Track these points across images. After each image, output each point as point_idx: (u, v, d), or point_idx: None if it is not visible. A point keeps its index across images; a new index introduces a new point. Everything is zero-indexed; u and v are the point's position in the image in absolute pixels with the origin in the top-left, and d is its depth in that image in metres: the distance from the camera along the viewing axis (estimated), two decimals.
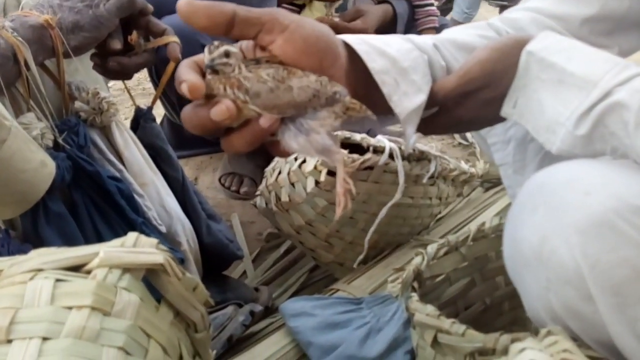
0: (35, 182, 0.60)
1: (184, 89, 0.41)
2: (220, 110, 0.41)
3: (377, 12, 1.37)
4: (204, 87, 0.41)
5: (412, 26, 1.48)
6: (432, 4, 1.51)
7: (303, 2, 1.40)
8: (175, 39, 0.74)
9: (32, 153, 0.60)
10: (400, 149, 0.90)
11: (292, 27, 0.43)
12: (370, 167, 0.89)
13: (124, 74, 0.74)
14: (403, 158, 0.91)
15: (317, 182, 0.90)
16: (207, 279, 0.85)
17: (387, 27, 1.39)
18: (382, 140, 0.90)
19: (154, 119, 0.83)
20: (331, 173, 0.89)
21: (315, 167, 0.91)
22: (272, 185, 0.98)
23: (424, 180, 0.95)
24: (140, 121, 0.81)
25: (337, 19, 1.32)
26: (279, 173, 0.97)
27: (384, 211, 0.91)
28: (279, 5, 1.23)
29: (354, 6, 1.40)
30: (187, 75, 0.41)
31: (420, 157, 0.95)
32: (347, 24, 1.30)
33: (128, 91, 0.86)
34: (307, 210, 0.94)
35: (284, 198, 0.95)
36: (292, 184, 0.94)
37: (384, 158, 0.88)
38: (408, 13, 1.47)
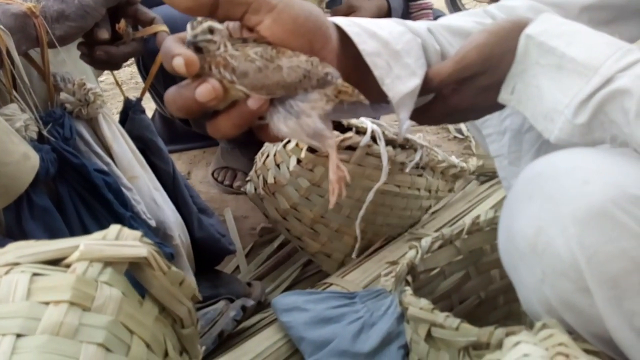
0: (17, 175, 0.58)
1: (177, 63, 0.38)
2: (206, 90, 0.39)
3: (370, 7, 1.35)
4: (198, 61, 0.39)
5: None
6: None
7: None
8: (164, 28, 0.72)
9: (14, 145, 0.58)
10: (383, 132, 0.89)
11: (280, 7, 0.41)
12: (353, 148, 0.88)
13: (112, 64, 0.72)
14: (387, 142, 0.90)
15: (299, 161, 0.90)
16: (199, 274, 0.83)
17: None
18: (364, 121, 0.89)
19: (143, 111, 0.81)
20: (311, 150, 0.89)
21: (296, 145, 0.90)
22: (260, 169, 0.98)
23: (407, 170, 0.94)
24: (129, 112, 0.80)
25: (328, 15, 1.30)
26: (267, 156, 0.97)
27: (370, 195, 0.90)
28: None
29: (346, 1, 1.38)
30: (180, 49, 0.39)
31: (405, 145, 0.94)
32: None
33: (117, 83, 0.84)
34: (292, 192, 0.93)
35: (270, 180, 0.95)
36: (278, 165, 0.94)
37: (366, 139, 0.87)
38: (403, 7, 1.45)
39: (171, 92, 0.41)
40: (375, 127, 0.89)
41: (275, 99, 0.42)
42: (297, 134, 0.42)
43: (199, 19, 0.39)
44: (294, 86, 0.41)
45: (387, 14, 1.40)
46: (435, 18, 1.49)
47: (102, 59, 0.70)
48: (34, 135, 0.63)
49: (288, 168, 0.92)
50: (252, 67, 0.40)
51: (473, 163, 1.23)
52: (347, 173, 0.44)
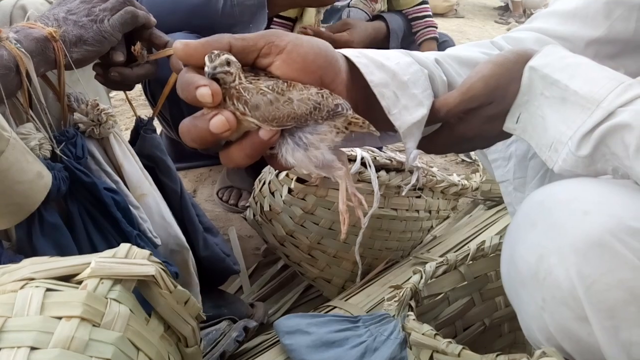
0: (30, 194, 0.60)
1: (204, 93, 0.40)
2: (220, 122, 0.40)
3: (366, 28, 1.36)
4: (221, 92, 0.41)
5: (410, 41, 1.48)
6: (430, 15, 1.50)
7: (295, 16, 1.41)
8: None
9: (29, 164, 0.59)
10: (375, 158, 0.90)
11: (289, 48, 0.43)
12: None
13: (125, 85, 0.74)
14: (381, 167, 0.91)
15: (290, 190, 0.91)
16: (203, 293, 0.84)
17: (379, 44, 1.39)
18: (353, 148, 0.90)
19: (154, 130, 0.83)
20: (300, 180, 0.90)
21: (287, 175, 0.91)
22: (257, 196, 0.99)
23: (404, 193, 0.95)
24: (141, 132, 0.81)
25: (323, 30, 1.32)
26: (263, 184, 0.98)
27: (365, 220, 0.91)
28: (269, 20, 1.23)
29: (342, 19, 1.41)
30: (205, 80, 0.40)
31: (400, 168, 0.95)
32: (332, 34, 1.30)
33: (129, 102, 0.86)
34: (287, 219, 0.94)
35: (266, 207, 0.96)
36: (272, 193, 0.95)
37: (356, 166, 0.88)
38: (404, 29, 1.46)
39: (185, 124, 0.42)
40: (364, 153, 0.90)
41: (285, 131, 0.43)
42: (305, 165, 0.44)
43: (216, 52, 0.41)
44: (304, 117, 0.43)
45: (386, 35, 1.41)
46: (442, 42, 1.50)
47: (116, 80, 0.72)
48: (48, 154, 0.65)
49: (281, 196, 0.93)
50: (264, 100, 0.41)
51: (476, 180, 1.23)
52: (364, 201, 0.45)
